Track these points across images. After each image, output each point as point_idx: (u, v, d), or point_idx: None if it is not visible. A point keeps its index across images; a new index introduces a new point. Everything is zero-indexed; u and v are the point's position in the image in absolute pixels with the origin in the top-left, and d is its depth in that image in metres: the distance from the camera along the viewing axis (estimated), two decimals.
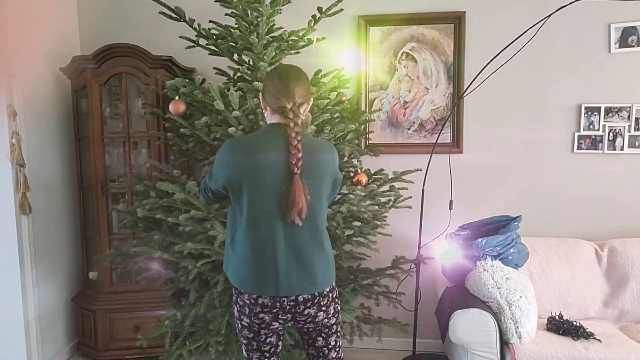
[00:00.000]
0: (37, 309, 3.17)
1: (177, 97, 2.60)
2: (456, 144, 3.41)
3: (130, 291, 3.35)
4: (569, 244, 3.16)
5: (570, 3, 2.87)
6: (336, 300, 2.05)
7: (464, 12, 3.32)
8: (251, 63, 2.76)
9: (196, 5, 3.11)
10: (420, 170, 2.90)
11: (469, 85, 3.03)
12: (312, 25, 2.80)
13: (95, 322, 3.33)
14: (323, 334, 2.05)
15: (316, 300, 1.95)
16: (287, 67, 1.97)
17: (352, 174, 2.81)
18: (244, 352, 2.08)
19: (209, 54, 2.84)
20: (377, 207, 2.86)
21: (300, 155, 1.82)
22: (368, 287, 2.92)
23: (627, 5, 3.10)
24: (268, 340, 2.02)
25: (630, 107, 3.24)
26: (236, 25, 2.71)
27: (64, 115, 3.48)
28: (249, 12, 2.67)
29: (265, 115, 1.98)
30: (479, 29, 3.33)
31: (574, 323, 2.74)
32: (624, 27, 3.20)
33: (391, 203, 2.86)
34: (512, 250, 2.80)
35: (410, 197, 2.91)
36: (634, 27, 3.19)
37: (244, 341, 2.04)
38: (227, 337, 2.68)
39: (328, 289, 1.99)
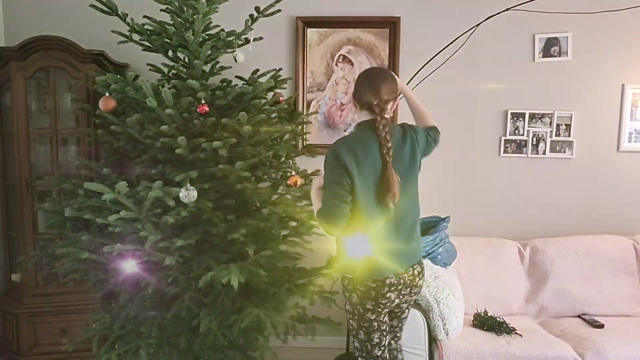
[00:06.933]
0: None
1: (107, 94, 2.52)
2: None
3: (57, 294, 3.22)
4: (495, 244, 3.30)
5: (498, 13, 3.02)
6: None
7: (399, 17, 3.40)
8: (186, 60, 2.72)
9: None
10: None
11: None
12: (249, 24, 2.79)
13: (18, 326, 3.18)
14: None
15: None
16: (375, 68, 2.33)
17: (288, 175, 2.82)
18: None
19: (143, 49, 2.77)
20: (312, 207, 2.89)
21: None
22: (303, 287, 2.93)
23: (550, 17, 3.27)
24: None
25: (552, 113, 3.42)
26: (171, 22, 2.66)
27: None
28: (185, 9, 2.63)
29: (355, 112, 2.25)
30: (413, 34, 3.42)
31: (498, 319, 2.87)
32: (547, 37, 3.39)
33: None
34: (440, 249, 2.90)
35: None
36: (556, 38, 3.38)
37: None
38: (159, 339, 2.62)
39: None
